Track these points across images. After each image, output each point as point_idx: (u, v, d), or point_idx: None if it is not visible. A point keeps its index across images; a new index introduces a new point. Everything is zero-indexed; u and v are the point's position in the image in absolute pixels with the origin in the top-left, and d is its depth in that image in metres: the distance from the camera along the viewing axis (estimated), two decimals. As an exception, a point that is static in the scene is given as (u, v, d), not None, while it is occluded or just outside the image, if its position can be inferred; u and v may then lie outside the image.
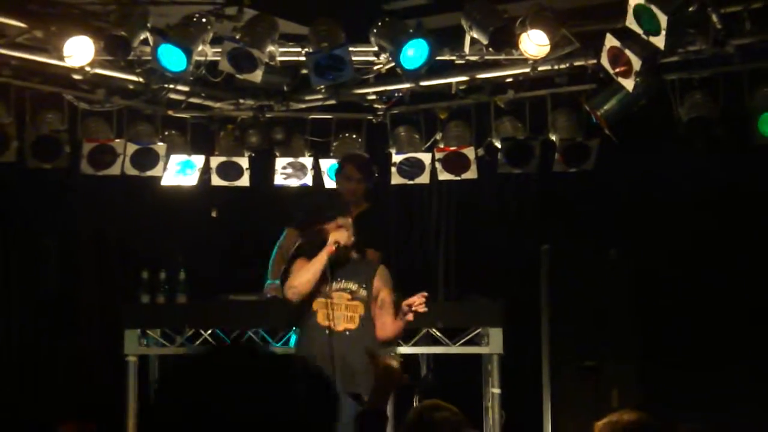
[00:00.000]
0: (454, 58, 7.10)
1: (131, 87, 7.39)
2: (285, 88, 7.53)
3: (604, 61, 6.36)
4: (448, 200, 8.64)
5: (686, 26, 6.18)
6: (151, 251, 7.92)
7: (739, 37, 6.43)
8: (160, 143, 7.90)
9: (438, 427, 4.04)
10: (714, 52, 6.56)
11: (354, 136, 8.13)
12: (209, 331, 7.00)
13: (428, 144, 8.01)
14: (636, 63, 6.14)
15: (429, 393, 6.42)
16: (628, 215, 7.94)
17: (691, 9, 5.95)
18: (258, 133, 7.91)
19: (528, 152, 7.82)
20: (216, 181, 8.09)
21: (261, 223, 8.15)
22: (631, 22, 5.94)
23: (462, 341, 6.94)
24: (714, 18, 6.19)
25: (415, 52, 6.60)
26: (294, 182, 8.14)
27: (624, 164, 7.71)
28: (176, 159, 8.02)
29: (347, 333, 5.86)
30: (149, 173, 7.90)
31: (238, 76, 6.79)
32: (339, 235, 5.89)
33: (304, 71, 7.02)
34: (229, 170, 8.10)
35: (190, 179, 8.08)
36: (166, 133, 7.97)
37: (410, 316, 5.76)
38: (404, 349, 6.84)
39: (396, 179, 8.03)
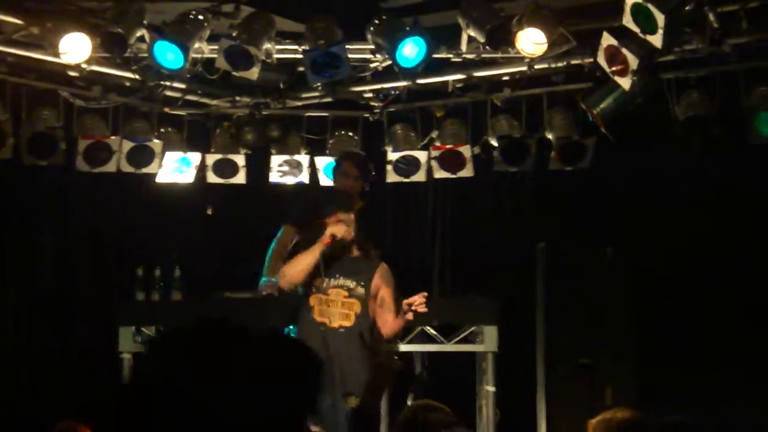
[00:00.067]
0: (450, 56, 7.10)
1: (127, 84, 7.38)
2: (281, 85, 7.52)
3: (601, 60, 6.36)
4: (444, 198, 8.63)
5: (683, 25, 6.17)
6: (146, 248, 7.92)
7: (736, 36, 6.43)
8: (156, 140, 7.90)
9: (432, 428, 4.04)
10: (711, 51, 6.56)
11: (350, 133, 8.13)
12: (204, 329, 6.98)
13: (424, 142, 8.01)
14: (633, 62, 6.14)
15: (423, 391, 6.42)
16: (624, 214, 7.94)
17: (687, 8, 5.95)
18: (254, 131, 7.91)
19: (524, 150, 7.83)
20: (212, 178, 8.09)
21: (257, 221, 8.14)
22: (628, 21, 5.94)
23: (457, 339, 6.94)
24: (711, 17, 6.19)
25: (411, 50, 6.60)
26: (290, 180, 8.14)
27: (620, 163, 7.71)
28: (172, 156, 8.01)
29: (341, 330, 5.86)
30: (145, 170, 7.89)
31: (234, 73, 6.79)
32: (336, 228, 5.89)
33: (301, 69, 7.02)
34: (225, 167, 8.10)
35: (186, 176, 8.07)
36: (162, 130, 7.98)
37: (410, 315, 5.76)
38: (399, 347, 6.84)
39: (392, 177, 8.03)
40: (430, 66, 6.83)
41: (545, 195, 8.28)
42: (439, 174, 7.99)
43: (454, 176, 7.98)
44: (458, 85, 7.48)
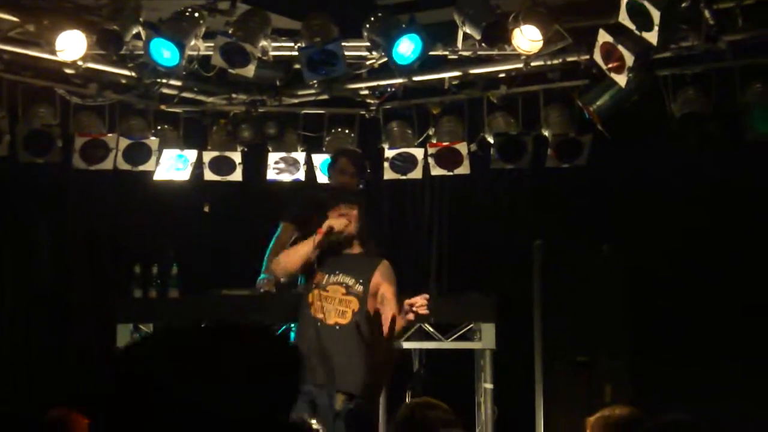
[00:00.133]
0: (446, 53, 7.10)
1: (123, 81, 7.38)
2: (278, 82, 7.52)
3: (597, 57, 6.36)
4: (441, 195, 8.64)
5: (679, 22, 6.18)
6: (143, 245, 7.91)
7: (732, 33, 6.44)
8: (153, 138, 7.89)
9: (430, 426, 4.04)
10: (706, 48, 6.57)
11: (347, 131, 8.13)
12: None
13: (421, 139, 8.01)
14: (629, 59, 6.15)
15: (421, 388, 6.42)
16: (620, 211, 7.95)
17: (683, 5, 5.96)
18: (250, 128, 7.90)
19: (520, 148, 7.83)
20: (208, 175, 8.08)
21: (253, 218, 8.15)
22: (624, 18, 5.95)
23: (454, 336, 6.93)
24: (706, 14, 6.20)
25: (407, 47, 6.60)
26: (286, 177, 8.13)
27: (616, 160, 7.72)
28: (169, 154, 8.01)
29: (337, 327, 5.86)
30: (141, 168, 7.89)
31: (230, 70, 6.79)
32: (336, 221, 5.89)
33: (297, 66, 7.03)
34: (222, 165, 8.09)
35: (183, 174, 8.07)
36: (159, 127, 7.97)
37: (411, 316, 5.74)
38: (401, 345, 6.84)
39: (388, 174, 8.03)
40: (426, 63, 6.83)
41: (542, 192, 8.29)
42: (436, 171, 7.99)
43: (450, 173, 7.98)
44: (454, 83, 7.48)
